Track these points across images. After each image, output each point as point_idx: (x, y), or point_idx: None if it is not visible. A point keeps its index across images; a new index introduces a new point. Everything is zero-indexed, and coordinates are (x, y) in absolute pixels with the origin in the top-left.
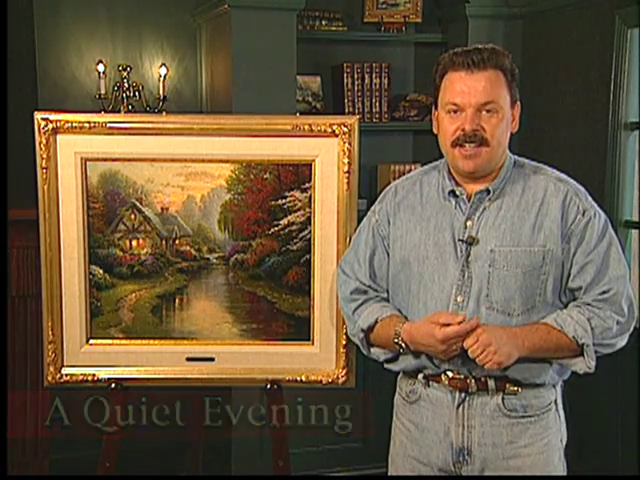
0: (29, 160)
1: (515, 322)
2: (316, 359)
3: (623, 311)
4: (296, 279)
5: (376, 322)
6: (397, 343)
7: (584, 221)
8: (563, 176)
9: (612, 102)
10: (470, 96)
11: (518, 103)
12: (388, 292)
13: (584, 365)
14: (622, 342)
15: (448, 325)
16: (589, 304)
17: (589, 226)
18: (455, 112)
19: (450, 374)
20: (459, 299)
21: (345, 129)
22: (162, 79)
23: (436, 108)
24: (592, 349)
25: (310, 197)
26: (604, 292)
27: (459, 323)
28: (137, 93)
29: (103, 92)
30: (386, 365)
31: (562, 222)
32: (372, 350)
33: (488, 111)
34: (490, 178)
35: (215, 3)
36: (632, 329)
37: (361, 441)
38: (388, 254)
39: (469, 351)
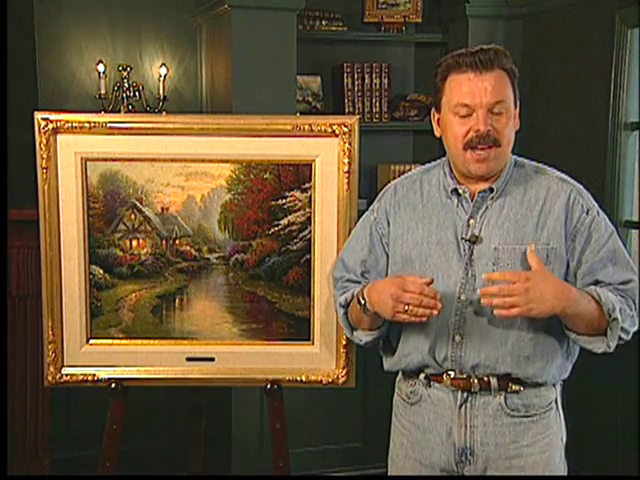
0: (29, 160)
1: (520, 320)
2: (316, 359)
3: (636, 305)
4: (296, 279)
5: (352, 297)
6: (359, 300)
7: (589, 219)
8: (565, 176)
9: (612, 102)
10: (481, 96)
11: (518, 102)
12: None
13: (604, 344)
14: (629, 335)
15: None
16: (611, 291)
17: (594, 224)
18: (464, 113)
19: (452, 374)
20: (462, 297)
21: (345, 129)
22: (162, 79)
23: (437, 110)
24: (619, 327)
25: (310, 197)
26: (624, 282)
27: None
28: (137, 93)
29: (103, 92)
30: (386, 367)
31: (566, 221)
32: (355, 333)
33: (497, 111)
34: (492, 177)
35: (215, 3)
36: (637, 324)
37: (361, 441)
38: (386, 253)
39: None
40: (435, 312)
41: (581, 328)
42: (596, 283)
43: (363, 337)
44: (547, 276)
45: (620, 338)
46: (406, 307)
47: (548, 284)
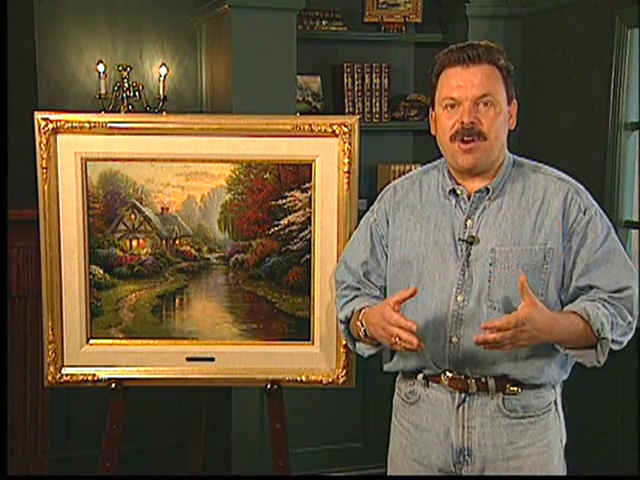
0: (29, 160)
1: None
2: (316, 359)
3: (634, 311)
4: (296, 279)
5: (352, 313)
6: (359, 325)
7: (585, 219)
8: (563, 175)
9: (612, 102)
10: (467, 89)
11: (515, 100)
12: (384, 289)
13: (594, 359)
14: (623, 345)
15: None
16: (606, 300)
17: (591, 224)
18: (452, 107)
19: (450, 374)
20: (459, 298)
21: (345, 129)
22: (162, 79)
23: (433, 108)
24: (608, 345)
25: (310, 197)
26: (619, 290)
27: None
28: (137, 93)
29: (103, 92)
30: (385, 367)
31: (563, 220)
32: (357, 345)
33: (485, 104)
34: (489, 177)
35: (215, 3)
36: (634, 329)
37: (361, 441)
38: (386, 253)
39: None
40: (418, 348)
41: (567, 346)
42: (590, 288)
43: (366, 350)
44: (537, 316)
45: (612, 350)
46: (396, 339)
47: (537, 326)
